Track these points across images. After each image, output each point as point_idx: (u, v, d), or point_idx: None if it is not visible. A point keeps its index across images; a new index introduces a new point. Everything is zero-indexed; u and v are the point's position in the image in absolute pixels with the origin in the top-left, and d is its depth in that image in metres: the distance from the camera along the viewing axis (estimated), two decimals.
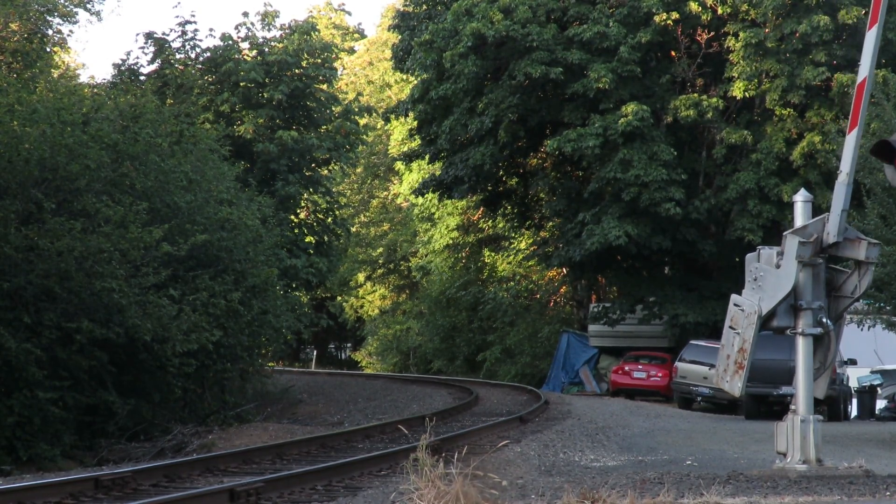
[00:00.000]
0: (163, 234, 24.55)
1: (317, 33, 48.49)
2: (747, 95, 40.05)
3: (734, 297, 15.68)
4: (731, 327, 15.51)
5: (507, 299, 59.13)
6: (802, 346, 15.65)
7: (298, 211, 46.14)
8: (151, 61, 43.47)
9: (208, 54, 44.19)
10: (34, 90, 28.93)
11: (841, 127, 35.57)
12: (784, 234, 15.62)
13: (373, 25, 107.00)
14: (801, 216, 15.94)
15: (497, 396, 38.00)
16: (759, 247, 16.22)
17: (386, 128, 69.70)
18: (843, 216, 15.60)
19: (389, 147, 69.72)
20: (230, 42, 44.69)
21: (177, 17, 61.24)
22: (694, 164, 41.81)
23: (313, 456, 19.12)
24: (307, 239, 45.93)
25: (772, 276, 15.46)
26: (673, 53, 42.53)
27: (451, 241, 63.76)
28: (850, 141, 15.52)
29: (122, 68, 42.99)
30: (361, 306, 75.88)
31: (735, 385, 15.43)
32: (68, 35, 55.52)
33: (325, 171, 48.04)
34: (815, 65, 38.22)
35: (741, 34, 39.22)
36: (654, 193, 39.03)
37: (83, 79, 55.27)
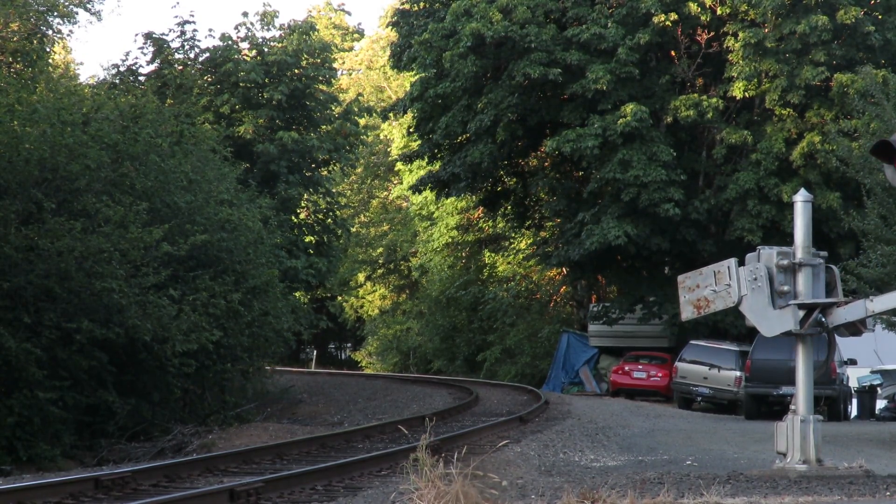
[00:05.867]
0: (163, 234, 24.57)
1: (316, 33, 48.49)
2: (747, 95, 40.05)
3: (733, 263, 15.68)
4: (715, 275, 15.67)
5: (507, 299, 59.10)
6: (802, 347, 15.66)
7: (298, 211, 46.15)
8: (151, 61, 43.49)
9: (207, 55, 44.20)
10: (34, 90, 28.93)
11: (841, 127, 35.62)
12: (792, 301, 15.48)
13: (372, 28, 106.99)
14: (800, 216, 15.92)
15: (497, 396, 37.98)
16: (759, 247, 16.23)
17: (386, 133, 69.84)
18: None
19: (391, 149, 69.71)
20: (229, 42, 44.69)
21: (175, 17, 61.18)
22: (694, 165, 41.82)
23: (313, 456, 19.12)
24: (307, 239, 45.93)
25: (762, 302, 15.49)
26: (672, 54, 42.52)
27: (450, 240, 63.77)
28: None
29: (122, 69, 43.00)
30: (361, 306, 75.86)
31: (686, 312, 16.00)
32: (68, 35, 55.44)
33: (325, 172, 48.04)
34: (814, 65, 38.24)
35: (740, 34, 39.22)
36: (653, 194, 39.05)
37: (82, 78, 55.29)
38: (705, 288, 15.75)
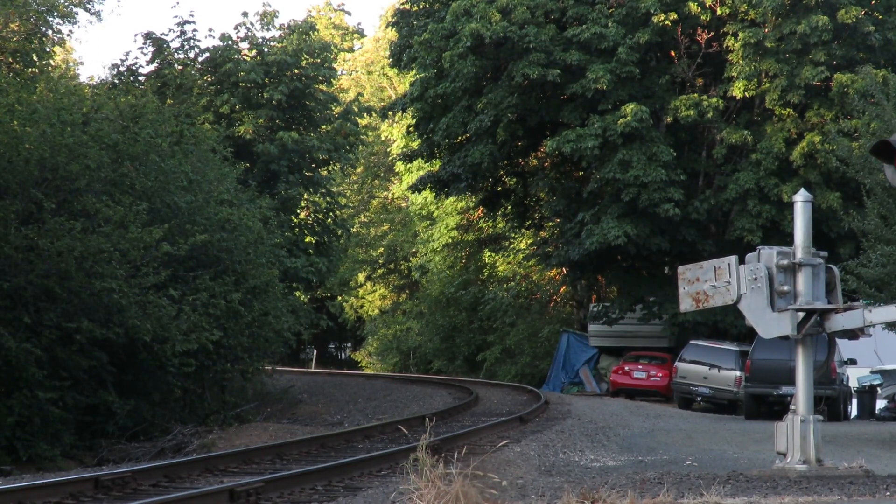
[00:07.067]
0: (163, 234, 24.57)
1: (316, 33, 48.49)
2: (747, 95, 40.06)
3: (734, 260, 15.69)
4: (715, 270, 15.69)
5: (507, 299, 59.11)
6: (802, 347, 15.65)
7: (298, 211, 46.15)
8: (150, 61, 43.46)
9: (207, 55, 44.18)
10: (34, 90, 28.93)
11: (841, 127, 35.61)
12: (791, 306, 15.48)
13: (372, 27, 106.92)
14: (800, 216, 15.91)
15: (497, 396, 37.99)
16: (759, 247, 16.22)
17: (386, 134, 69.84)
18: None
19: (391, 149, 69.71)
20: (229, 42, 44.68)
21: (175, 17, 61.16)
22: (694, 165, 41.82)
23: (313, 456, 19.12)
24: (307, 239, 45.92)
25: (761, 303, 15.48)
26: (672, 53, 42.52)
27: (450, 240, 63.78)
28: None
29: (122, 69, 42.98)
30: (361, 306, 75.88)
31: (684, 304, 16.03)
32: (68, 35, 55.37)
33: (325, 172, 48.05)
34: (814, 64, 38.24)
35: (740, 34, 39.22)
36: (653, 194, 39.06)
37: (82, 78, 55.29)
38: (705, 282, 15.78)
